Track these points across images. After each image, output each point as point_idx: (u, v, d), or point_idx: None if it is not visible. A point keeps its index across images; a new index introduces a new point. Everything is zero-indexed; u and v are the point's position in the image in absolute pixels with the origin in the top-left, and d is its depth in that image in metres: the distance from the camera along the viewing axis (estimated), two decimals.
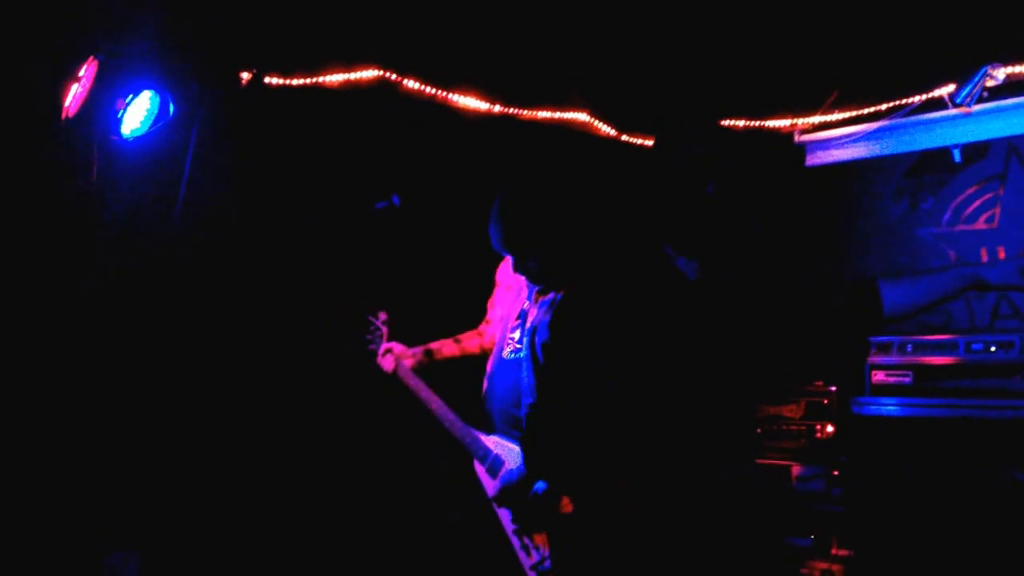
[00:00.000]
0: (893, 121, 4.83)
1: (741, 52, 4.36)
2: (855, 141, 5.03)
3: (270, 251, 3.72)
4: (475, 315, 3.54)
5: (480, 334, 3.48)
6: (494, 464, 3.10)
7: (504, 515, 3.08)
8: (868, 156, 5.05)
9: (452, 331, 3.54)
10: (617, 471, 2.29)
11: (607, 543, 2.26)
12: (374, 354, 3.44)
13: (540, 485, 2.91)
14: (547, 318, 2.97)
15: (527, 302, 3.11)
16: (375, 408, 3.84)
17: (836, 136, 5.10)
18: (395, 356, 3.37)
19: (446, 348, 3.47)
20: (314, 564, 3.85)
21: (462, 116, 4.29)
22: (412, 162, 4.07)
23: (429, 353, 3.44)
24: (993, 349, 3.95)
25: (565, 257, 2.92)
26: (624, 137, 4.98)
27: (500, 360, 3.17)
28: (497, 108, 4.42)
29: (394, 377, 3.37)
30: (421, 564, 3.87)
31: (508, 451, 3.08)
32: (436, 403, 3.27)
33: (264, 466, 3.71)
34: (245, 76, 3.64)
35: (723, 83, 4.60)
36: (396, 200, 3.44)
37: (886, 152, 4.98)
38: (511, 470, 2.98)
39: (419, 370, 3.37)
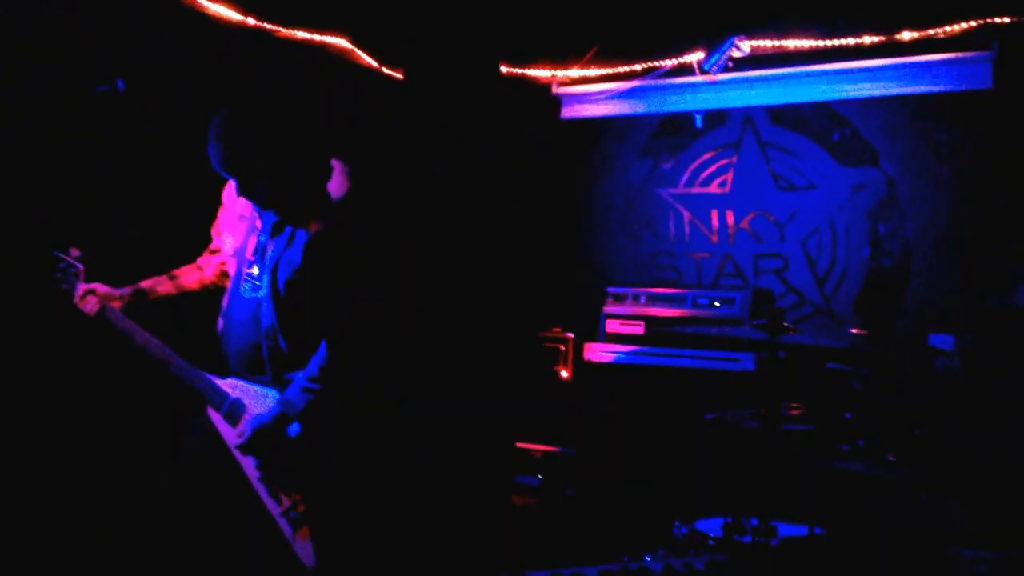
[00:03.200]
0: (645, 82, 5.02)
1: None
2: (608, 98, 5.19)
3: None
4: (196, 243, 3.12)
5: (200, 268, 3.12)
6: (234, 409, 2.87)
7: (248, 463, 2.88)
8: (619, 114, 5.24)
9: (166, 263, 3.15)
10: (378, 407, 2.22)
11: (361, 486, 2.17)
12: (68, 294, 3.01)
13: (294, 427, 2.77)
14: (291, 254, 2.81)
15: (264, 235, 2.89)
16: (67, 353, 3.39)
17: (591, 92, 5.23)
18: (99, 298, 2.99)
19: (160, 286, 3.05)
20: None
21: (211, 23, 3.95)
22: (145, 67, 3.67)
23: (140, 293, 3.01)
24: (717, 304, 4.24)
25: (292, 183, 2.75)
26: (385, 70, 4.83)
27: (238, 297, 2.91)
28: (251, 21, 4.12)
29: (99, 320, 2.99)
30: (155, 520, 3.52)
31: (251, 394, 2.87)
32: (155, 346, 2.93)
33: None
34: None
35: (489, 26, 4.56)
36: (120, 85, 3.04)
37: (636, 112, 5.19)
38: (262, 414, 2.78)
39: (129, 311, 3.02)
